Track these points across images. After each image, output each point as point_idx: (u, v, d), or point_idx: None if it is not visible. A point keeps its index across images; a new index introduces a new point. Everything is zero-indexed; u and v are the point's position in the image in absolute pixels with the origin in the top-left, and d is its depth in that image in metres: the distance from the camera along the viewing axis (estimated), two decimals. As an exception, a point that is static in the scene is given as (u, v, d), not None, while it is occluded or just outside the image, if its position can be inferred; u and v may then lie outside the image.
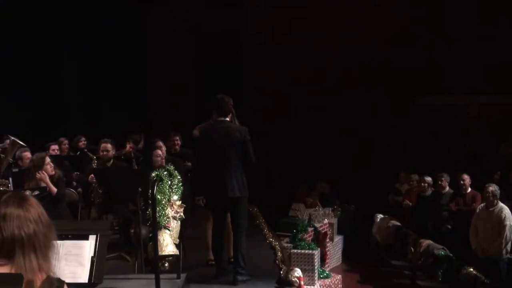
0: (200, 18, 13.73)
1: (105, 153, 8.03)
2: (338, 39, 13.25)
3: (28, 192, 6.01)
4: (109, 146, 8.06)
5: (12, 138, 7.82)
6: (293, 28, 13.51)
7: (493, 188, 8.73)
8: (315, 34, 13.34)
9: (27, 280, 2.52)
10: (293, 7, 13.46)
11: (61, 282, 2.65)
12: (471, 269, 8.08)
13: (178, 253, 5.50)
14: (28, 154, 7.97)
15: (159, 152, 7.21)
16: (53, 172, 6.97)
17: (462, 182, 9.90)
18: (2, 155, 8.12)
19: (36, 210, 2.66)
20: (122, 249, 7.64)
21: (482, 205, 9.03)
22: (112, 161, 8.10)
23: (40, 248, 2.60)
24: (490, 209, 8.71)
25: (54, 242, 2.71)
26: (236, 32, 13.81)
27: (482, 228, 8.79)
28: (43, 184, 6.71)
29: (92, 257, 3.59)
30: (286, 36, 13.50)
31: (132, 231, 7.51)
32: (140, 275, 6.09)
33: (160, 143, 7.78)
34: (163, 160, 7.23)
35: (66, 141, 10.23)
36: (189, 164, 8.50)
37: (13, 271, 2.55)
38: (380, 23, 13.35)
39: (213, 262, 6.83)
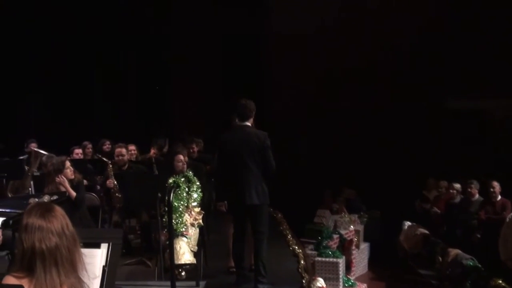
0: (224, 20, 13.67)
1: (120, 157, 8.05)
2: (364, 42, 13.11)
3: (47, 197, 5.98)
4: (124, 150, 8.09)
5: (35, 149, 7.82)
6: (316, 30, 13.38)
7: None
8: (339, 37, 13.21)
9: None
10: (317, 10, 13.33)
11: None
12: (500, 281, 7.86)
13: (195, 261, 5.41)
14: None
15: (181, 157, 7.11)
16: (73, 176, 6.92)
17: (492, 189, 9.67)
18: (26, 167, 8.14)
19: (59, 222, 2.58)
20: (143, 254, 7.59)
21: (512, 214, 8.80)
22: (127, 165, 8.08)
23: (63, 263, 2.52)
24: (523, 217, 8.48)
25: (80, 254, 2.64)
26: (259, 35, 13.74)
27: (512, 238, 8.55)
28: (62, 189, 6.66)
29: (103, 266, 3.50)
30: (309, 38, 13.36)
31: (153, 235, 7.49)
32: (159, 282, 6.03)
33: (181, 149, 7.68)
34: (185, 166, 7.13)
35: (90, 145, 10.24)
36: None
37: (32, 285, 2.47)
38: (409, 25, 13.17)
39: (234, 269, 6.70)
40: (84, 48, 13.45)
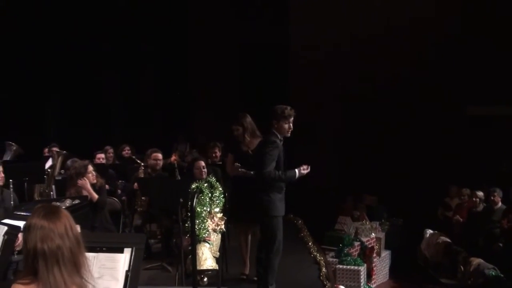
0: (243, 29, 13.71)
1: (158, 162, 8.07)
2: (385, 49, 13.07)
3: (68, 201, 5.99)
4: (160, 155, 8.10)
5: (55, 149, 7.86)
6: (336, 41, 13.37)
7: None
8: (360, 47, 13.19)
9: None
10: (337, 20, 13.33)
11: None
12: (523, 291, 7.78)
13: (217, 267, 5.39)
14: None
15: (201, 164, 7.10)
16: (95, 181, 6.94)
17: (514, 197, 9.58)
18: (49, 170, 8.19)
19: (63, 223, 2.58)
20: (164, 259, 7.59)
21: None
22: (158, 170, 8.11)
23: (65, 264, 2.51)
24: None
25: (84, 257, 2.63)
26: (280, 44, 13.77)
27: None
28: (84, 193, 6.68)
29: (126, 271, 3.49)
30: (329, 49, 13.34)
31: (174, 240, 7.48)
32: (180, 287, 6.01)
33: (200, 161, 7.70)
34: (204, 172, 7.10)
35: (111, 150, 10.28)
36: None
37: None
38: (431, 31, 13.13)
39: (245, 276, 6.92)
40: (102, 54, 13.57)
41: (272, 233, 5.98)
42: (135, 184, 7.88)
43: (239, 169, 6.46)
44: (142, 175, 8.14)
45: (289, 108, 6.16)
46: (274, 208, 5.96)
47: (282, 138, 6.11)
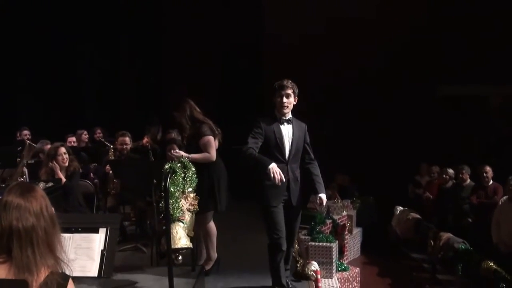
0: (221, 15, 13.66)
1: (124, 146, 8.07)
2: (358, 30, 13.13)
3: (42, 184, 6.01)
4: (127, 139, 8.10)
5: (28, 142, 7.84)
6: (310, 22, 13.40)
7: (514, 179, 8.58)
8: (332, 26, 13.25)
9: (26, 275, 2.46)
10: (310, 8, 13.37)
11: (65, 278, 2.58)
12: (492, 264, 7.95)
13: (191, 246, 5.44)
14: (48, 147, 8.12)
15: (175, 146, 7.17)
16: (66, 163, 6.96)
17: (484, 174, 9.75)
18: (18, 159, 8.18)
19: (39, 202, 2.56)
20: (138, 240, 7.65)
21: (505, 198, 8.86)
22: (127, 153, 8.12)
23: (38, 244, 2.50)
24: (514, 201, 8.56)
25: (59, 238, 2.63)
26: (254, 28, 13.73)
27: (504, 222, 8.61)
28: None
29: (102, 251, 3.54)
30: (305, 42, 13.38)
31: (148, 222, 7.54)
32: (155, 267, 6.08)
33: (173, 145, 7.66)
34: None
35: (85, 132, 10.29)
36: None
37: (12, 268, 2.47)
38: (402, 12, 13.21)
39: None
40: (77, 38, 13.45)
41: (265, 224, 5.62)
42: (107, 167, 7.91)
43: (173, 152, 6.17)
44: (112, 158, 8.16)
45: (284, 80, 5.68)
46: (262, 196, 5.58)
47: (281, 117, 5.63)
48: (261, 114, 5.84)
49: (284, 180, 5.25)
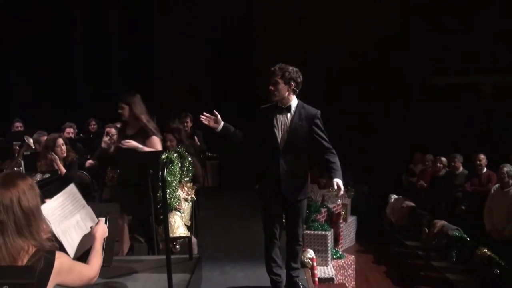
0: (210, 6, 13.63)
1: (110, 136, 8.07)
2: (348, 20, 13.17)
3: (39, 175, 6.04)
4: (113, 130, 8.08)
5: (30, 141, 7.84)
6: (302, 12, 13.42)
7: (508, 168, 8.65)
8: (325, 17, 13.26)
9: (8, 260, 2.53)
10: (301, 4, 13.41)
11: (52, 252, 2.64)
12: (485, 250, 8.05)
13: (189, 235, 5.49)
14: (44, 139, 8.12)
15: (169, 136, 7.20)
16: (64, 154, 6.99)
17: (478, 162, 9.81)
18: (16, 147, 8.18)
19: (10, 195, 2.60)
20: (135, 230, 7.67)
21: (497, 186, 8.93)
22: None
23: (8, 235, 2.56)
24: (505, 190, 8.63)
25: (34, 228, 2.65)
26: (247, 16, 13.71)
27: (497, 210, 8.69)
28: (55, 166, 6.74)
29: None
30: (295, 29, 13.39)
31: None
32: (152, 256, 6.11)
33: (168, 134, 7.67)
34: (173, 144, 7.24)
35: (74, 125, 10.28)
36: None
37: None
38: (391, 2, 13.24)
39: None
40: (66, 25, 13.40)
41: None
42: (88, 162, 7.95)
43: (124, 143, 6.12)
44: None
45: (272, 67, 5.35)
46: (259, 191, 5.44)
47: (280, 105, 5.29)
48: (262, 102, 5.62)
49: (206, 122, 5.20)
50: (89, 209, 3.41)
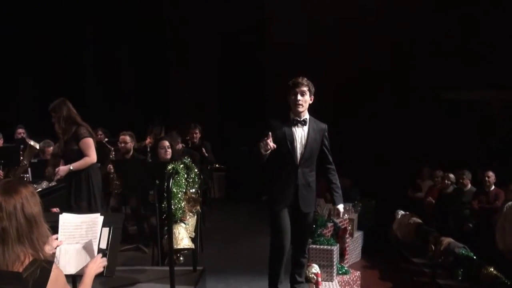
0: (224, 14, 13.65)
1: (123, 145, 8.12)
2: (361, 33, 13.16)
3: (45, 183, 6.06)
4: (127, 138, 8.13)
5: (30, 143, 7.86)
6: (312, 27, 13.42)
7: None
8: (335, 31, 13.27)
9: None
10: (312, 7, 13.39)
11: (49, 263, 2.63)
12: (492, 269, 7.98)
13: (193, 247, 5.47)
14: (50, 150, 8.27)
15: (165, 143, 7.21)
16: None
17: (487, 178, 9.76)
18: (21, 158, 8.20)
19: (13, 202, 2.60)
20: (140, 240, 7.67)
21: (510, 203, 8.76)
22: (131, 153, 8.16)
23: (8, 244, 2.55)
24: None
25: (36, 236, 2.65)
26: (258, 32, 13.73)
27: (510, 228, 8.57)
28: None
29: (104, 250, 3.56)
30: (306, 35, 13.39)
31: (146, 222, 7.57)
32: (156, 267, 6.10)
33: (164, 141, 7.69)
34: (169, 151, 7.25)
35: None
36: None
37: None
38: (406, 16, 13.22)
39: None
40: (79, 34, 13.45)
41: (270, 228, 5.38)
42: (109, 166, 7.96)
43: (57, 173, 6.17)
44: (113, 158, 8.19)
45: (299, 77, 5.27)
46: (269, 199, 5.34)
47: (295, 118, 5.24)
48: (269, 115, 5.60)
49: (271, 146, 4.89)
50: (95, 245, 3.42)
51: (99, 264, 3.24)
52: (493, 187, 9.74)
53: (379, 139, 13.05)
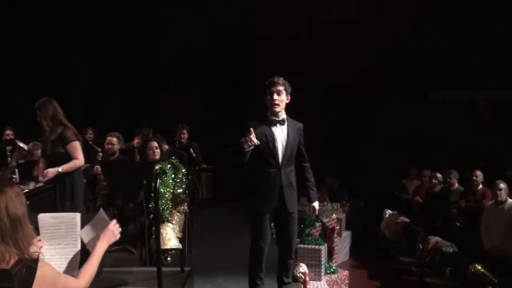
0: (209, 12, 13.64)
1: (109, 146, 8.08)
2: (347, 33, 13.20)
3: (32, 184, 6.03)
4: (114, 140, 8.09)
5: (19, 144, 7.82)
6: (303, 23, 13.44)
7: (504, 185, 8.65)
8: (326, 29, 13.29)
9: None
10: (301, 6, 13.42)
11: (34, 261, 2.63)
12: (479, 267, 8.02)
13: (180, 247, 5.46)
14: (39, 152, 8.19)
15: (153, 144, 7.18)
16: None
17: (474, 178, 9.78)
18: (9, 159, 8.17)
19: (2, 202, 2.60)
20: (127, 241, 7.65)
21: (491, 203, 8.91)
22: (117, 155, 8.12)
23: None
24: (500, 206, 8.63)
25: (23, 235, 2.65)
26: (246, 27, 13.72)
27: (493, 227, 8.66)
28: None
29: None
30: (297, 31, 13.41)
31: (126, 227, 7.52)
32: (143, 268, 6.08)
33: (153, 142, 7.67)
34: (157, 152, 7.22)
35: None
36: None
37: None
38: (393, 17, 13.27)
39: None
40: (65, 34, 13.38)
41: (251, 230, 5.35)
42: (95, 167, 7.93)
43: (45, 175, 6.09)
44: (100, 159, 8.15)
45: (275, 77, 5.23)
46: (253, 202, 5.27)
47: (273, 118, 5.19)
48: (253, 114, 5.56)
49: (255, 141, 4.85)
50: (77, 248, 3.37)
51: (112, 232, 3.22)
52: (480, 186, 9.79)
53: (367, 139, 13.08)
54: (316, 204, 5.52)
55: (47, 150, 6.26)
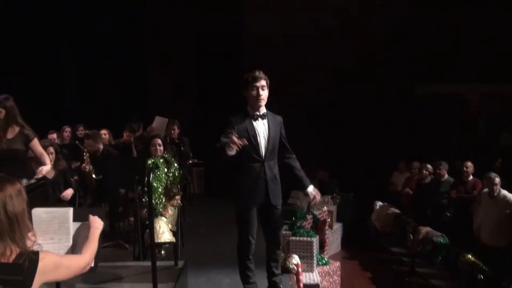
0: (201, 10, 13.64)
1: (89, 148, 8.05)
2: (335, 30, 13.25)
3: (25, 181, 6.01)
4: (90, 141, 8.04)
5: None
6: (292, 25, 13.48)
7: (498, 179, 8.59)
8: (313, 27, 13.34)
9: None
10: (288, 8, 13.46)
11: (35, 253, 2.63)
12: (470, 256, 8.10)
13: (174, 240, 5.48)
14: None
15: (158, 141, 7.18)
16: (52, 162, 6.95)
17: (465, 168, 9.82)
18: None
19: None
20: (120, 236, 7.67)
21: (485, 191, 8.80)
22: (101, 151, 8.06)
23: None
24: (494, 196, 8.57)
25: (19, 233, 2.64)
26: (235, 29, 13.72)
27: (486, 217, 8.64)
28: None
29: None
30: (288, 31, 13.45)
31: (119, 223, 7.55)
32: (138, 262, 6.10)
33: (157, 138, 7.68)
34: (160, 149, 7.23)
35: (68, 129, 10.24)
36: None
37: None
38: (381, 12, 13.32)
39: None
40: (56, 30, 13.34)
41: (237, 225, 5.26)
42: (83, 166, 7.91)
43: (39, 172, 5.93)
44: (88, 160, 8.09)
45: (255, 71, 5.13)
46: (237, 197, 5.21)
47: (255, 112, 5.14)
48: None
49: (242, 142, 4.71)
50: (69, 243, 3.38)
51: (96, 219, 3.25)
52: (471, 177, 9.84)
53: (356, 133, 13.14)
54: (311, 188, 5.42)
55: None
